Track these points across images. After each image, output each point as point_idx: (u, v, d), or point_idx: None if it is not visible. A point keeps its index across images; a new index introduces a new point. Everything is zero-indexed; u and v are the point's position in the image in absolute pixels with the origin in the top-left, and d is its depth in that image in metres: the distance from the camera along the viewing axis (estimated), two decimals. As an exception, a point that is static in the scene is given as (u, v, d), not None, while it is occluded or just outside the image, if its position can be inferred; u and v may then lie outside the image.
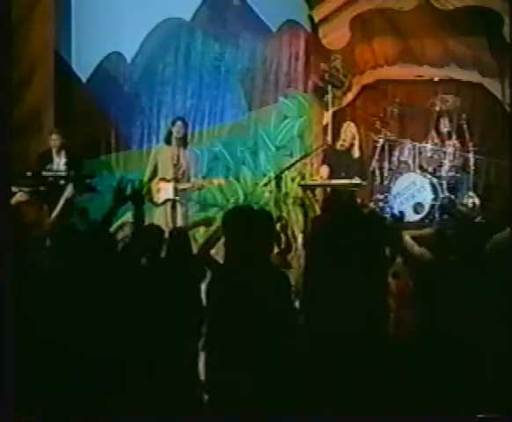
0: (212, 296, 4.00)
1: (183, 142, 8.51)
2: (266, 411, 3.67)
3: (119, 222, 6.34)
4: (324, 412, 3.73)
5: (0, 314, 3.75)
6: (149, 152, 9.89)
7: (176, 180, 8.32)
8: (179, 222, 8.24)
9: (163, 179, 8.36)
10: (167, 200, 8.31)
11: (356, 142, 9.51)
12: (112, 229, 4.94)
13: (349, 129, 9.57)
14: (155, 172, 8.45)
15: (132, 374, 4.12)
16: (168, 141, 8.50)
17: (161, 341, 4.15)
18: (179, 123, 8.47)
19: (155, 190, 8.36)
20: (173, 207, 8.33)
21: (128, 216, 8.48)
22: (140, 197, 4.64)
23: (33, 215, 7.37)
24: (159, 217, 8.22)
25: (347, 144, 9.45)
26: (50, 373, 3.83)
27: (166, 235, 4.91)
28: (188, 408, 3.96)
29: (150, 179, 8.41)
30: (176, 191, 8.32)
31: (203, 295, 4.21)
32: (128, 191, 4.51)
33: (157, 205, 8.35)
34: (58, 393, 3.80)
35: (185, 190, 8.49)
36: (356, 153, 9.48)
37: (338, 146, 9.60)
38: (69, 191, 7.87)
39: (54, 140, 8.36)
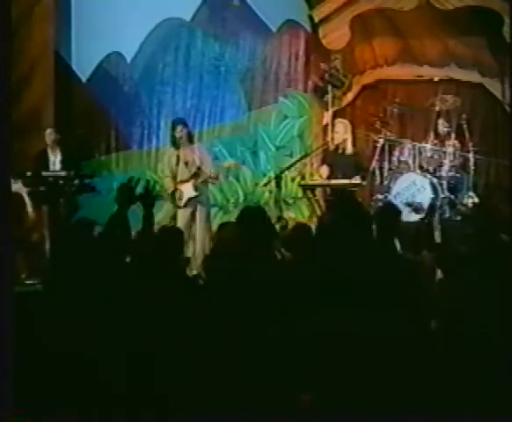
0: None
1: (188, 140, 8.49)
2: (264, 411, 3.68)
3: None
4: (323, 414, 3.73)
5: (0, 314, 3.75)
6: (149, 152, 9.92)
7: (194, 178, 8.30)
8: (200, 222, 8.23)
9: (181, 181, 8.32)
10: (189, 200, 8.28)
11: (349, 138, 9.45)
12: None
13: (339, 126, 9.48)
14: (173, 174, 8.41)
15: (131, 374, 4.12)
16: (174, 144, 8.46)
17: (160, 342, 4.15)
18: (178, 128, 8.44)
19: (177, 194, 8.32)
20: (194, 208, 8.30)
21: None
22: (151, 197, 4.41)
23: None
24: (181, 219, 8.21)
25: (338, 141, 9.36)
26: (49, 374, 3.84)
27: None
28: (189, 408, 3.96)
29: (171, 181, 8.40)
30: (196, 188, 8.30)
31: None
32: (139, 190, 4.27)
33: (180, 207, 8.31)
34: (57, 395, 3.80)
35: (203, 182, 8.42)
36: (349, 149, 9.40)
37: (330, 145, 9.58)
38: None
39: (49, 134, 8.40)
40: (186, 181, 8.29)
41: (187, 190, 8.28)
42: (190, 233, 8.18)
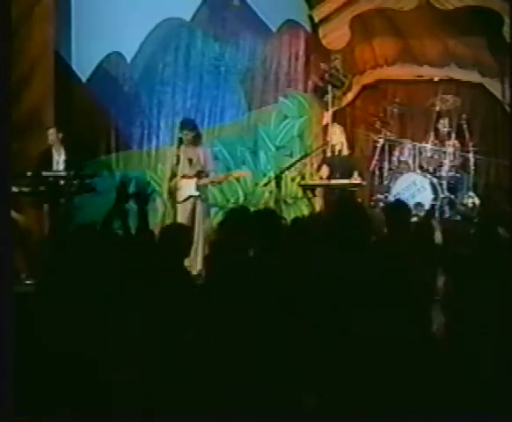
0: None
1: (194, 142, 8.46)
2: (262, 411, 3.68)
3: None
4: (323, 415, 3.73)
5: (0, 314, 3.75)
6: (149, 152, 9.91)
7: (197, 177, 8.31)
8: (200, 220, 8.25)
9: (183, 177, 8.32)
10: (189, 197, 8.29)
11: (344, 143, 9.55)
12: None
13: (335, 129, 9.61)
14: (172, 171, 8.45)
15: (130, 374, 4.12)
16: (179, 144, 8.45)
17: (160, 341, 4.15)
18: (185, 132, 8.41)
19: (176, 188, 8.33)
20: (194, 205, 8.32)
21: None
22: (144, 196, 4.59)
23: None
24: (181, 215, 8.23)
25: (335, 142, 9.50)
26: (49, 374, 3.83)
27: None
28: (188, 408, 3.96)
29: (170, 178, 8.44)
30: (198, 187, 8.31)
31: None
32: (132, 189, 4.48)
33: (178, 202, 8.33)
34: (57, 395, 3.79)
35: (206, 185, 8.45)
36: (345, 151, 9.51)
37: (328, 152, 9.66)
38: None
39: (51, 134, 8.40)
40: (189, 178, 8.29)
41: (189, 186, 8.28)
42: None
